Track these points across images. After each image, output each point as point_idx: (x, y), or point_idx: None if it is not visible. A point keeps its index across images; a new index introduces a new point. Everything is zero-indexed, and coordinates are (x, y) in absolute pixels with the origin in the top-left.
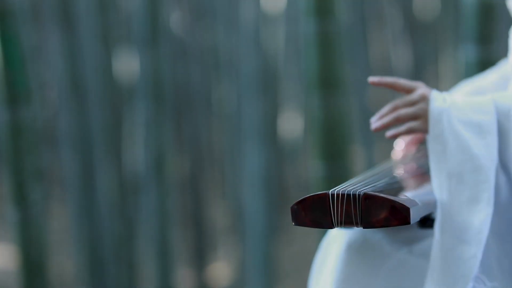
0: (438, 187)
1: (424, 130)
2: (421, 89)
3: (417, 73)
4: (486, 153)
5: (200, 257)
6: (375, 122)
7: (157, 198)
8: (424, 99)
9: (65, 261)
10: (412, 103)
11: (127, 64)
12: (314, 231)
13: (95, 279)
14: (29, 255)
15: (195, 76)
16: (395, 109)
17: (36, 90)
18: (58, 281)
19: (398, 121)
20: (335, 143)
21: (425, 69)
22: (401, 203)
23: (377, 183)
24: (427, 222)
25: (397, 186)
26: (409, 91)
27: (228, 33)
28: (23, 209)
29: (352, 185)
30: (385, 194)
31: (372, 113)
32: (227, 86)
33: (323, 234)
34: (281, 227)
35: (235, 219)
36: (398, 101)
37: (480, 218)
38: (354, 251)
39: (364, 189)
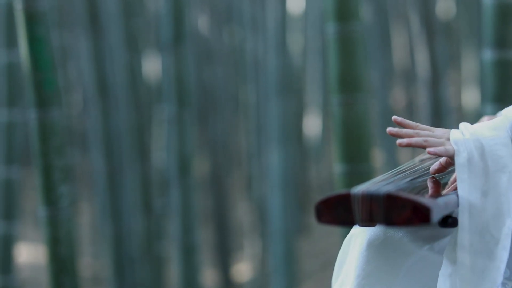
0: (467, 210)
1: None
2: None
3: (437, 76)
4: (502, 166)
5: (225, 256)
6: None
7: (182, 198)
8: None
9: (92, 258)
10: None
11: (154, 66)
12: (336, 230)
13: (121, 276)
14: (58, 252)
15: (220, 78)
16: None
17: (65, 91)
18: (86, 277)
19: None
20: (357, 144)
21: (446, 71)
22: (422, 203)
23: (400, 182)
24: (448, 220)
25: (419, 186)
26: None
27: (252, 35)
28: (52, 207)
29: (375, 185)
30: (407, 194)
31: (393, 115)
32: (251, 87)
33: (345, 232)
34: (304, 226)
35: (258, 218)
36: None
37: (504, 232)
38: (375, 248)
39: (387, 189)
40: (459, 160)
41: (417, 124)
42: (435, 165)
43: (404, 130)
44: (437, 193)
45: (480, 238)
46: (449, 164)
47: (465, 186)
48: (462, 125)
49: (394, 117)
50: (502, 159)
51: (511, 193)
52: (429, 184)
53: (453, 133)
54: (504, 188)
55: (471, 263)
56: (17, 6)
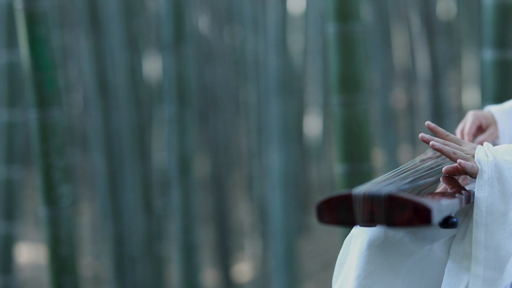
0: (483, 226)
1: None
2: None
3: (438, 76)
4: None
5: (225, 256)
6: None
7: (183, 198)
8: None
9: (93, 258)
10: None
11: (154, 66)
12: (337, 230)
13: (122, 276)
14: (59, 252)
15: (220, 78)
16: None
17: (65, 91)
18: (86, 277)
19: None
20: (357, 144)
21: (446, 71)
22: (423, 204)
23: (401, 183)
24: (449, 221)
25: (420, 186)
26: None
27: (253, 35)
28: (53, 207)
29: (376, 185)
30: (408, 195)
31: (393, 115)
32: (252, 87)
33: (346, 232)
34: (305, 226)
35: (259, 218)
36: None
37: None
38: (375, 248)
39: (388, 189)
40: (481, 180)
41: (448, 133)
42: (450, 167)
43: (436, 139)
44: (459, 188)
45: (496, 253)
46: (463, 172)
47: (483, 205)
48: (486, 145)
49: (427, 123)
50: None
51: None
52: (445, 182)
53: (479, 152)
54: None
55: (484, 274)
56: (18, 6)
